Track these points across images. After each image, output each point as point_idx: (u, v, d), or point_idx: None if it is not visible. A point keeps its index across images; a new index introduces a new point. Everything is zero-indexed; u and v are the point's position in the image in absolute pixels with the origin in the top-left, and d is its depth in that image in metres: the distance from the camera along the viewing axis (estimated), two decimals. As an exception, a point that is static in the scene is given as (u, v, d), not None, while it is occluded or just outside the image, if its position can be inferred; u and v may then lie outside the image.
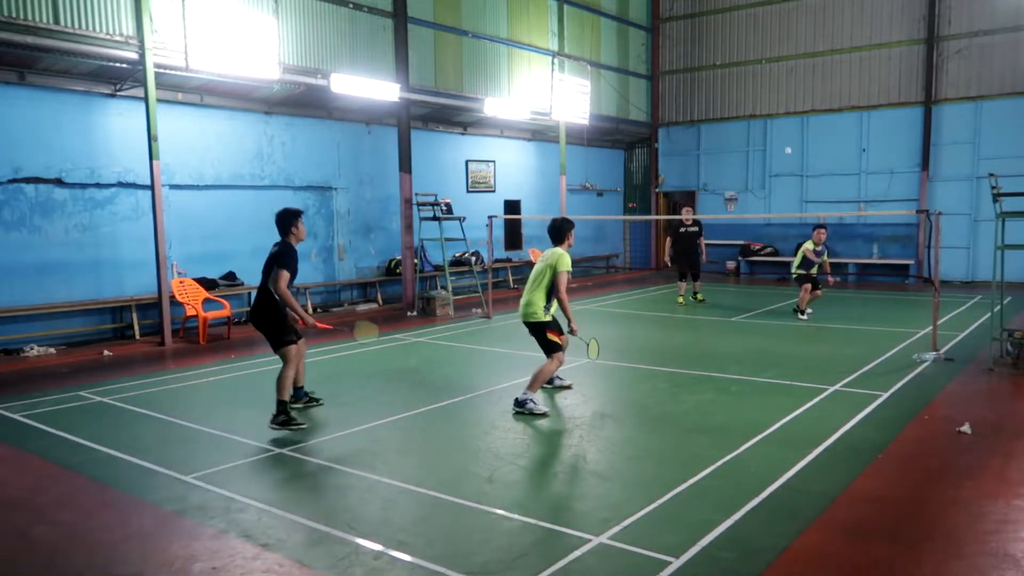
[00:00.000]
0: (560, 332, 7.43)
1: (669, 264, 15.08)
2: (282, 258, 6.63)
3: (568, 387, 7.99)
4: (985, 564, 4.04)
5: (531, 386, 7.20)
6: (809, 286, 12.75)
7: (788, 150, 20.09)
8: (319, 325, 6.92)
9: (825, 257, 12.97)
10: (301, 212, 6.99)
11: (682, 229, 14.66)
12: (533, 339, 7.47)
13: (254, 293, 13.16)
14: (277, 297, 6.62)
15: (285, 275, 6.58)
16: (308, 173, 14.44)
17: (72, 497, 5.22)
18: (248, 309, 13.22)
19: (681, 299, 14.93)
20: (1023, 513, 4.68)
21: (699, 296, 14.93)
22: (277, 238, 6.88)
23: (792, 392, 7.68)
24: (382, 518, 4.75)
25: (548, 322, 7.34)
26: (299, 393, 7.25)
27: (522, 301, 7.44)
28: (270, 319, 6.74)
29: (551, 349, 7.35)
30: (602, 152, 22.96)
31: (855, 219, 19.20)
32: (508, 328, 12.11)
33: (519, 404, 7.12)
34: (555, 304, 7.38)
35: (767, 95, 20.99)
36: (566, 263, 7.28)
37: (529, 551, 4.19)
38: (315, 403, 7.35)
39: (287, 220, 6.83)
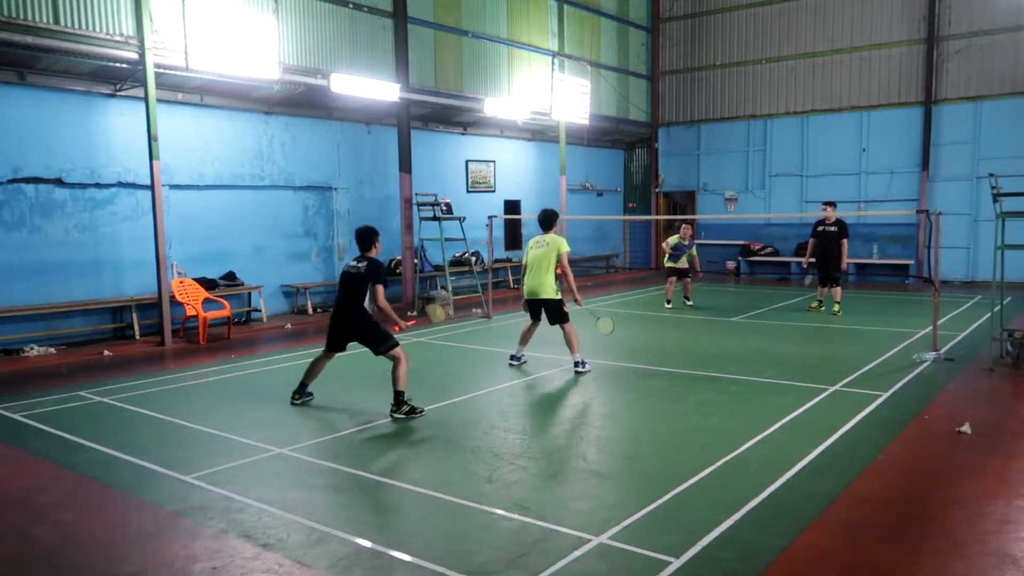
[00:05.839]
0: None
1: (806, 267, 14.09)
2: (381, 273, 7.13)
3: (525, 362, 9.14)
4: (985, 564, 4.04)
5: (575, 349, 8.64)
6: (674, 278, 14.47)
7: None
8: (408, 324, 7.63)
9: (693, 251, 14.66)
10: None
11: (820, 228, 13.14)
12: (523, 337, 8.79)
13: (254, 293, 13.44)
14: (376, 308, 7.05)
15: (382, 289, 7.10)
16: (308, 173, 14.43)
17: (72, 497, 5.22)
18: (248, 310, 13.27)
19: (816, 304, 13.55)
20: (1023, 513, 4.68)
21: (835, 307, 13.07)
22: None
23: (792, 392, 7.68)
24: (382, 518, 4.75)
25: (560, 299, 8.71)
26: (303, 390, 7.55)
27: (531, 283, 8.72)
28: (370, 327, 7.16)
29: (565, 319, 8.66)
30: (602, 152, 22.96)
31: (855, 219, 19.14)
32: (508, 328, 12.11)
33: (580, 365, 8.61)
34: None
35: (767, 95, 20.99)
36: (567, 245, 8.76)
37: (529, 551, 4.18)
38: (310, 397, 7.64)
39: (371, 237, 7.29)
